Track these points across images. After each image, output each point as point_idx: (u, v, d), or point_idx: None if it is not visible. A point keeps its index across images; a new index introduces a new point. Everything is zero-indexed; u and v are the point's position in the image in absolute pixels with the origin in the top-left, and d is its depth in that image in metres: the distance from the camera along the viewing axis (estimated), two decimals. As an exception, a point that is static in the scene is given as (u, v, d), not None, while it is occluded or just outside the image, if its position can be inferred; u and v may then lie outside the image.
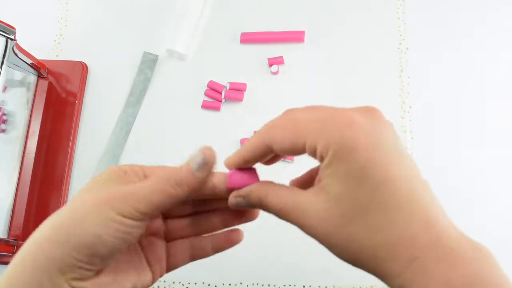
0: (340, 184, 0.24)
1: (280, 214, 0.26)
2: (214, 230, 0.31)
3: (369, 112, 0.25)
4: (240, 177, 0.29)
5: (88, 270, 0.25)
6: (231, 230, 0.31)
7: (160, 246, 0.30)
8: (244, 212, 0.31)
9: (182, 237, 0.31)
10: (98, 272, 0.26)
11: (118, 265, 0.27)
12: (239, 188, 0.28)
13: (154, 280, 0.29)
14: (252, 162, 0.28)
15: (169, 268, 0.31)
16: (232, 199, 0.28)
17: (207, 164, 0.26)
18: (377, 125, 0.24)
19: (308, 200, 0.25)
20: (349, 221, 0.23)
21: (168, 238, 0.31)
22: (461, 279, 0.21)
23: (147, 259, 0.30)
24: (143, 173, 0.28)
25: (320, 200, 0.24)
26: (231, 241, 0.31)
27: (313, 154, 0.25)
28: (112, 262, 0.27)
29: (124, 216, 0.25)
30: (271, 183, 0.28)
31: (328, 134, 0.24)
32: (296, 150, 0.25)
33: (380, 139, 0.24)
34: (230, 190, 0.29)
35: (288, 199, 0.26)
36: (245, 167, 0.29)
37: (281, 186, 0.27)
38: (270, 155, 0.28)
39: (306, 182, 0.30)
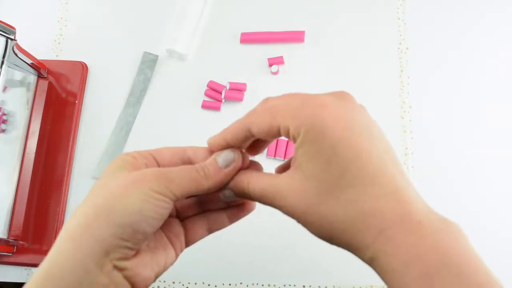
0: (312, 163, 0.25)
1: (261, 199, 0.28)
2: (220, 206, 0.32)
3: (341, 95, 0.27)
4: None
5: (130, 249, 0.25)
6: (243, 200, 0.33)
7: (176, 223, 0.31)
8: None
9: (192, 215, 0.32)
10: (137, 252, 0.27)
11: (150, 244, 0.28)
12: None
13: (176, 256, 0.31)
14: (233, 145, 0.29)
15: (189, 243, 0.32)
16: (220, 193, 0.30)
17: (235, 162, 0.28)
18: (349, 108, 0.26)
19: (284, 181, 0.26)
20: (322, 198, 0.25)
21: (180, 217, 0.32)
22: (428, 249, 0.22)
23: (167, 236, 0.30)
24: (151, 156, 0.30)
25: (295, 180, 0.26)
26: (245, 209, 0.32)
27: (287, 136, 0.26)
28: (146, 242, 0.28)
29: (160, 194, 0.26)
30: (252, 171, 0.29)
31: (300, 116, 0.25)
32: (273, 133, 0.27)
33: (351, 121, 0.25)
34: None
35: (267, 184, 0.27)
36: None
37: (262, 173, 0.29)
38: (251, 140, 0.29)
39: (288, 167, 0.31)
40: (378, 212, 0.23)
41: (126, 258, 0.26)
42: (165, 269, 0.29)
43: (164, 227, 0.30)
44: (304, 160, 0.25)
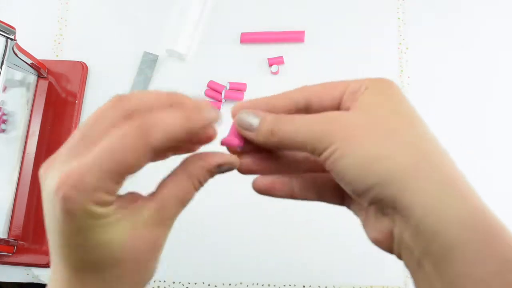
0: (380, 108, 0.24)
1: (300, 131, 0.25)
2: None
3: None
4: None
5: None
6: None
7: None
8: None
9: None
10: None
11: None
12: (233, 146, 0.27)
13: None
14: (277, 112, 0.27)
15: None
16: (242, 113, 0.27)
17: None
18: None
19: (342, 113, 0.25)
20: (391, 134, 0.23)
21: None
22: (482, 223, 0.21)
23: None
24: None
25: (357, 114, 0.24)
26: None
27: (355, 92, 0.25)
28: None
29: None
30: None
31: (370, 79, 0.25)
32: (336, 91, 0.26)
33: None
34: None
35: (312, 116, 0.25)
36: None
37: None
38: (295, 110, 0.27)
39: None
40: (440, 164, 0.24)
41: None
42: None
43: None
44: (371, 103, 0.24)
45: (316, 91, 0.26)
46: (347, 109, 0.25)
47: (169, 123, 0.22)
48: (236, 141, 0.27)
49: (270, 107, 0.27)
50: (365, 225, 0.26)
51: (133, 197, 0.25)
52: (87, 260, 0.23)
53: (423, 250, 0.22)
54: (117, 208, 0.23)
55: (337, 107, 0.26)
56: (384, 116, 0.24)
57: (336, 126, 0.24)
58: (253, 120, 0.26)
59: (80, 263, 0.23)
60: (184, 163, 0.26)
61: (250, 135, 0.26)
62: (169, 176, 0.26)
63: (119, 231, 0.23)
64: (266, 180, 0.28)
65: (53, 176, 0.22)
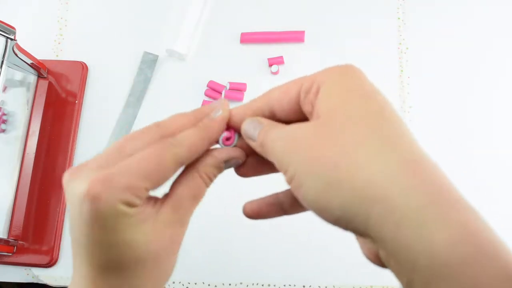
0: (338, 108, 0.22)
1: (269, 147, 0.24)
2: None
3: None
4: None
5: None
6: None
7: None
8: None
9: None
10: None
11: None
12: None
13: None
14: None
15: None
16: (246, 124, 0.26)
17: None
18: None
19: (298, 127, 0.23)
20: (347, 151, 0.20)
21: None
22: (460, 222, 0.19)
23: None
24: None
25: (312, 128, 0.22)
26: None
27: (308, 92, 0.24)
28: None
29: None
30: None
31: (329, 69, 0.24)
32: (292, 92, 0.24)
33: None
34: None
35: (283, 129, 0.24)
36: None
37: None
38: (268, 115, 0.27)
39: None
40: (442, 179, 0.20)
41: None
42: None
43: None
44: (328, 107, 0.22)
45: (276, 95, 0.25)
46: (310, 114, 0.24)
47: (190, 140, 0.25)
48: (226, 141, 0.28)
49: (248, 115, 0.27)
50: (357, 238, 0.25)
51: (151, 199, 0.26)
52: (111, 259, 0.24)
53: (408, 280, 0.19)
54: (142, 210, 0.24)
55: (300, 111, 0.25)
56: (342, 125, 0.21)
57: (290, 145, 0.22)
58: (256, 129, 0.26)
59: (104, 262, 0.24)
60: (193, 162, 0.27)
61: (253, 144, 0.26)
62: (181, 175, 0.27)
63: (142, 231, 0.24)
64: (253, 206, 0.29)
65: (83, 180, 0.23)
